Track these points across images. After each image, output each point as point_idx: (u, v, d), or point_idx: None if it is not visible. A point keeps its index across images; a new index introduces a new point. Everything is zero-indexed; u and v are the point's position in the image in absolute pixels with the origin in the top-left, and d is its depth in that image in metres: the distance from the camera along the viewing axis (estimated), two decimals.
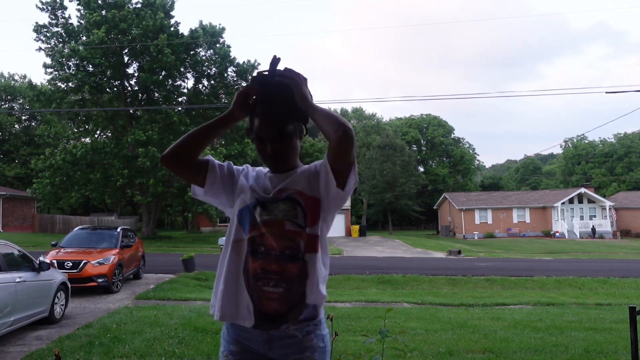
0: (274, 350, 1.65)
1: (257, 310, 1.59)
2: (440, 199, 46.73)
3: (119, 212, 45.33)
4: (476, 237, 38.69)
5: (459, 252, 23.03)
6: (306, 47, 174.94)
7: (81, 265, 9.64)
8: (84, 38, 26.64)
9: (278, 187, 1.68)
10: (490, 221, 40.25)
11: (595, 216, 38.98)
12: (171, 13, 28.12)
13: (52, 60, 26.35)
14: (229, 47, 29.07)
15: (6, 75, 48.23)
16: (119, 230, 11.72)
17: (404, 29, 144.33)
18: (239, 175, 1.78)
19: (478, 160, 65.80)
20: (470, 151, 63.13)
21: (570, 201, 38.70)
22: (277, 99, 1.66)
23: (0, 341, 5.77)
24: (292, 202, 1.65)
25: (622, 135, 58.65)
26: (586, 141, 61.59)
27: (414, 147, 58.86)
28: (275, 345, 1.64)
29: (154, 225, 30.03)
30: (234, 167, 1.81)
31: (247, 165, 1.83)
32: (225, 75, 29.69)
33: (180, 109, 28.58)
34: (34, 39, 27.34)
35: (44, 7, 26.77)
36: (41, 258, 7.23)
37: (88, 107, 28.55)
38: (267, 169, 1.78)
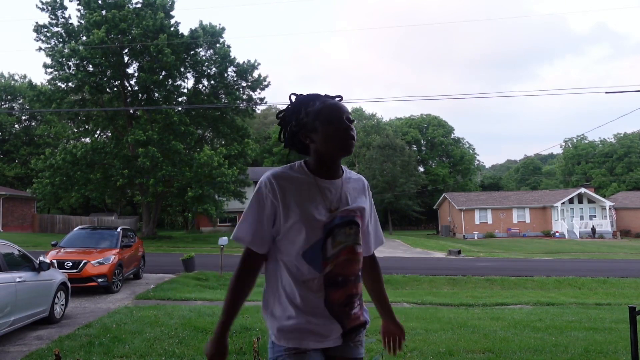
0: (356, 349, 1.74)
1: (345, 328, 1.65)
2: (440, 199, 46.72)
3: (119, 212, 45.35)
4: (476, 237, 38.69)
5: (459, 252, 23.03)
6: (307, 47, 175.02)
7: (81, 265, 9.62)
8: (84, 38, 26.61)
9: (346, 207, 1.66)
10: (490, 221, 40.25)
11: (595, 216, 38.98)
12: (171, 13, 28.12)
13: (52, 60, 26.31)
14: (229, 47, 29.09)
15: (6, 75, 48.31)
16: (119, 230, 11.68)
17: (405, 30, 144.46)
18: (277, 206, 1.61)
19: (478, 160, 65.82)
20: (470, 151, 63.13)
21: (570, 201, 38.69)
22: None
23: (0, 341, 5.77)
24: (355, 225, 1.68)
25: (622, 135, 58.68)
26: (586, 141, 61.61)
27: (414, 147, 58.84)
28: (358, 346, 1.74)
29: (154, 225, 30.04)
30: (267, 207, 1.61)
31: (270, 179, 1.62)
32: (225, 75, 29.69)
33: (180, 109, 28.56)
34: (34, 39, 27.37)
35: (44, 7, 26.76)
36: (41, 258, 7.22)
37: (88, 107, 28.55)
38: (300, 170, 1.66)
